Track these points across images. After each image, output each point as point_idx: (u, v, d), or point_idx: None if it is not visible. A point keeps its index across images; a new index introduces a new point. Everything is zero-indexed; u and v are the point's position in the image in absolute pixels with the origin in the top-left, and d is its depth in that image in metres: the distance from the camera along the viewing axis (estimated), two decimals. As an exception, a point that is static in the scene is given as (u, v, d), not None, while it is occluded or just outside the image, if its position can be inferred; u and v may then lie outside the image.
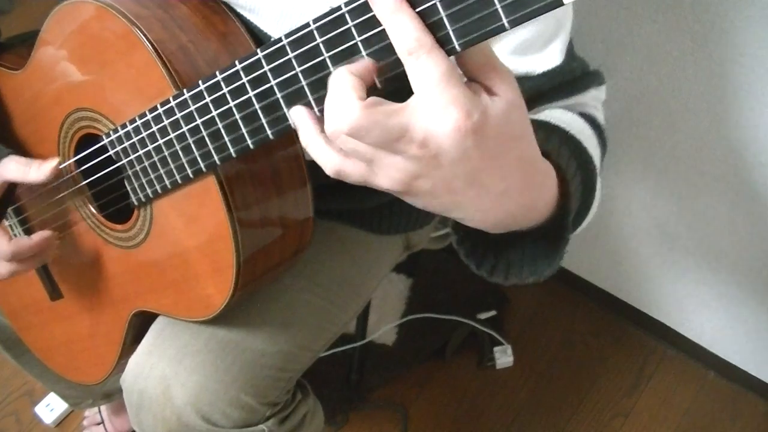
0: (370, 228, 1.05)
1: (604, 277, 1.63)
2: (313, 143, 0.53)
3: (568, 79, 0.75)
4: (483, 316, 1.65)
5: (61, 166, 0.85)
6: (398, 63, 0.49)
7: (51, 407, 1.58)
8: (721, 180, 1.25)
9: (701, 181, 1.28)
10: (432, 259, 1.71)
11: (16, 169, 0.80)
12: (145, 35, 0.69)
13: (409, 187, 0.51)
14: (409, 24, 0.47)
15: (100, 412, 1.53)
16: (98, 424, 1.55)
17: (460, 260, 0.64)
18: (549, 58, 0.73)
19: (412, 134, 0.47)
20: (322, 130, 0.52)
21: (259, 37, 0.76)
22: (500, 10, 0.45)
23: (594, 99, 0.79)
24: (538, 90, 0.73)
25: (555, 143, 0.63)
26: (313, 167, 0.79)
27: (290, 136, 0.76)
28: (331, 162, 0.52)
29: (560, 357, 1.62)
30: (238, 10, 0.76)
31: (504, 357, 1.60)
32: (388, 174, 0.51)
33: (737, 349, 1.49)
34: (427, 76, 0.47)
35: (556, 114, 0.72)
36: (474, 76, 0.50)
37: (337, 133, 0.49)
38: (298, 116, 0.55)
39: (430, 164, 0.49)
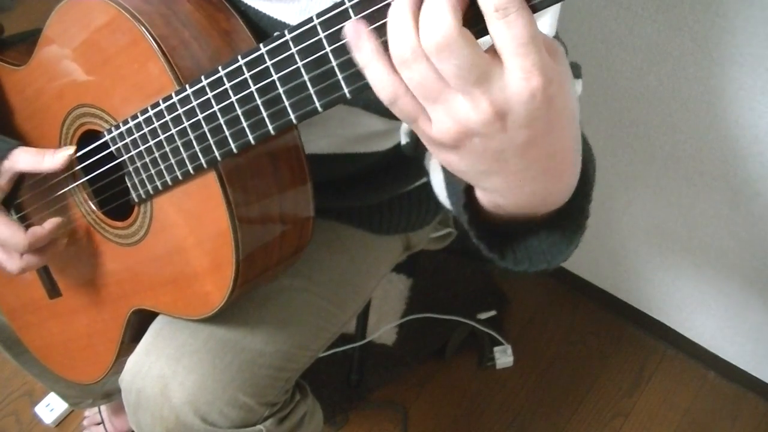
0: (370, 228, 1.05)
1: (604, 277, 1.63)
2: (373, 63, 0.49)
3: None
4: (483, 316, 1.65)
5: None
6: None
7: (51, 407, 1.58)
8: (721, 180, 1.25)
9: (701, 181, 1.28)
10: (432, 259, 1.70)
11: (28, 160, 0.80)
12: (148, 30, 0.69)
13: (460, 143, 0.48)
14: None
15: (100, 411, 1.53)
16: (98, 424, 1.55)
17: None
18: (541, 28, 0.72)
19: (491, 86, 0.45)
20: (386, 52, 0.48)
21: (271, 25, 0.75)
22: None
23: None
24: None
25: None
26: (313, 165, 0.80)
27: (292, 134, 0.77)
28: (390, 87, 0.48)
29: (560, 357, 1.62)
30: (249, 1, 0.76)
31: (504, 357, 1.60)
32: (445, 121, 0.48)
33: (737, 349, 1.49)
34: (515, 37, 0.44)
35: None
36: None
37: (416, 51, 0.45)
38: (359, 32, 0.49)
39: (494, 126, 0.47)
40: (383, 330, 1.64)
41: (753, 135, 1.16)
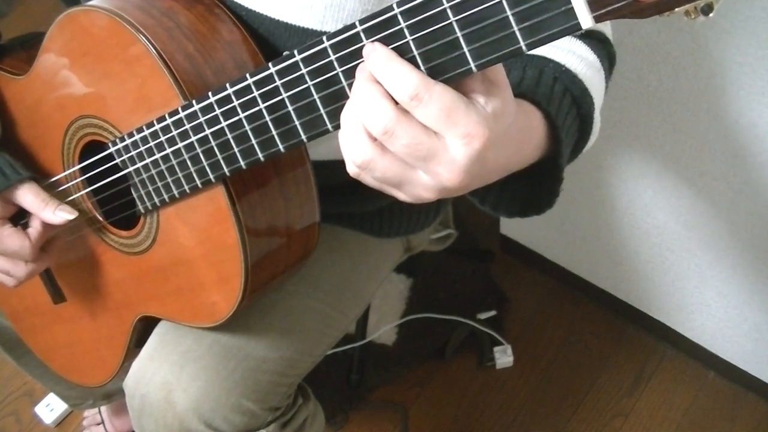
0: (371, 231, 1.05)
1: (604, 277, 1.63)
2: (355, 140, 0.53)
3: None
4: (483, 316, 1.65)
5: (65, 173, 0.85)
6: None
7: (51, 407, 1.58)
8: (721, 180, 1.25)
9: (701, 181, 1.28)
10: (432, 259, 1.70)
11: (30, 201, 0.81)
12: (151, 44, 0.68)
13: (438, 195, 0.54)
14: (402, 71, 0.49)
15: (100, 412, 1.53)
16: (98, 424, 1.55)
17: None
18: None
19: (442, 158, 0.50)
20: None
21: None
22: (517, 32, 0.46)
23: None
24: None
25: (548, 82, 0.66)
26: (316, 171, 0.79)
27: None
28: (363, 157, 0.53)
29: (560, 357, 1.62)
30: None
31: (504, 357, 1.60)
32: (416, 192, 0.54)
33: (737, 349, 1.49)
34: (435, 116, 0.49)
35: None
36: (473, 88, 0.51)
37: (361, 137, 0.51)
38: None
39: (462, 184, 0.52)
40: (383, 330, 1.64)
41: (753, 135, 1.16)
